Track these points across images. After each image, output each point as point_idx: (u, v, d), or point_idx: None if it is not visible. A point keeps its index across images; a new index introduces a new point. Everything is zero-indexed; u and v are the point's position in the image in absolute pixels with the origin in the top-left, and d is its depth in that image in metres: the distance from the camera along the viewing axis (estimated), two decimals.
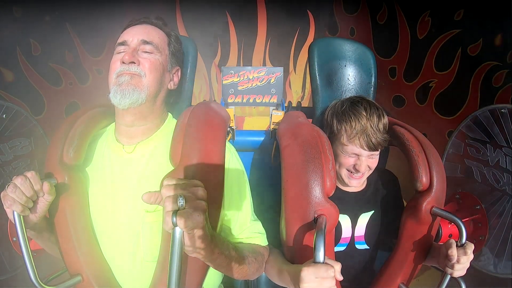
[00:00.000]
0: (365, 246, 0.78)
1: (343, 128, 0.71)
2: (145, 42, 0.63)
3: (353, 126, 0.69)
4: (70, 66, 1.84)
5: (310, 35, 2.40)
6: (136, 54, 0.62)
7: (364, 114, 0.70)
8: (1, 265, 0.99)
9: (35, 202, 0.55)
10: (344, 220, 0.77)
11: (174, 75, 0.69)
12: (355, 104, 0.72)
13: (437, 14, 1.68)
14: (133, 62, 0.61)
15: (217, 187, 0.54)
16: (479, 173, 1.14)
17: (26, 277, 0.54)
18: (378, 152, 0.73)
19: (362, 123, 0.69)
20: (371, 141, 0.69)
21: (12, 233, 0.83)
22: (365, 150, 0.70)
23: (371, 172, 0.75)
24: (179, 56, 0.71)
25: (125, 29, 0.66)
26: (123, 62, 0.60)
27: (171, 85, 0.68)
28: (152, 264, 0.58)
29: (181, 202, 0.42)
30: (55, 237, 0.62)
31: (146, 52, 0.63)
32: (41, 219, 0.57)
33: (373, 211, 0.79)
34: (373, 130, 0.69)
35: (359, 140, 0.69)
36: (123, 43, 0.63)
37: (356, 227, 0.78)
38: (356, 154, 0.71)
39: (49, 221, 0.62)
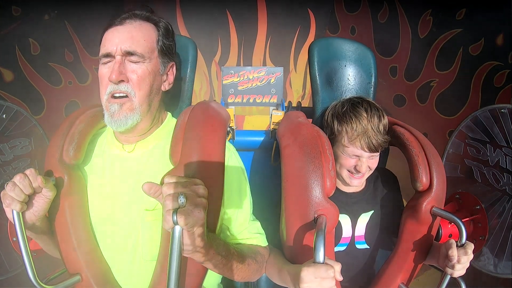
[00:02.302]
0: (366, 246, 0.79)
1: (344, 129, 0.71)
2: (130, 54, 0.59)
3: (354, 127, 0.69)
4: (69, 65, 1.83)
5: (310, 34, 2.39)
6: (124, 69, 0.59)
7: (365, 115, 0.70)
8: (1, 265, 0.99)
9: (34, 200, 0.54)
10: (344, 220, 0.77)
11: (168, 73, 0.66)
12: (355, 106, 0.72)
13: (439, 13, 1.67)
14: (122, 80, 0.59)
15: (217, 187, 0.54)
16: (479, 173, 1.14)
17: (26, 277, 0.54)
18: (378, 153, 0.73)
19: (363, 125, 0.69)
20: (372, 143, 0.69)
21: (12, 233, 0.83)
22: (366, 151, 0.70)
23: (371, 172, 0.75)
24: (171, 51, 0.66)
25: (106, 30, 0.61)
26: (111, 81, 0.58)
27: (165, 86, 0.66)
28: (151, 263, 0.58)
29: (181, 200, 0.42)
30: (54, 238, 0.62)
31: (133, 62, 0.60)
32: (40, 219, 0.57)
33: (372, 211, 0.79)
34: (374, 131, 0.69)
35: (360, 142, 0.69)
36: (107, 55, 0.59)
37: (356, 227, 0.78)
38: (357, 155, 0.71)
39: (48, 222, 0.62)
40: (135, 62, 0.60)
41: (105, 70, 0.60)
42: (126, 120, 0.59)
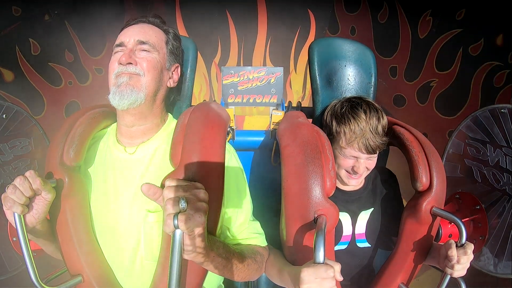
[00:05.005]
0: (366, 244, 0.79)
1: (342, 131, 0.71)
2: (142, 42, 0.63)
3: (352, 129, 0.69)
4: (70, 65, 1.83)
5: (310, 35, 2.39)
6: (133, 55, 0.62)
7: (364, 117, 0.70)
8: (1, 265, 0.99)
9: (34, 203, 0.54)
10: (345, 218, 0.77)
11: (173, 72, 0.69)
12: (354, 107, 0.72)
13: (438, 13, 1.68)
14: (130, 63, 0.61)
15: (217, 189, 0.54)
16: (479, 173, 1.14)
17: (26, 277, 0.54)
18: (376, 154, 0.73)
19: (361, 127, 0.69)
20: (370, 145, 0.69)
21: (12, 233, 0.83)
22: (363, 153, 0.70)
23: (369, 172, 0.75)
24: (178, 54, 0.70)
25: (122, 29, 0.66)
26: (120, 63, 0.61)
27: (171, 83, 0.68)
28: (153, 264, 0.58)
29: (183, 204, 0.42)
30: (56, 240, 0.62)
31: (143, 51, 0.63)
32: (41, 222, 0.57)
33: (372, 208, 0.79)
34: (372, 134, 0.69)
35: (358, 144, 0.69)
36: (120, 44, 0.63)
37: (356, 225, 0.78)
38: (354, 157, 0.72)
39: (49, 225, 0.61)
40: (146, 51, 0.63)
41: (115, 58, 0.62)
42: (132, 92, 0.60)
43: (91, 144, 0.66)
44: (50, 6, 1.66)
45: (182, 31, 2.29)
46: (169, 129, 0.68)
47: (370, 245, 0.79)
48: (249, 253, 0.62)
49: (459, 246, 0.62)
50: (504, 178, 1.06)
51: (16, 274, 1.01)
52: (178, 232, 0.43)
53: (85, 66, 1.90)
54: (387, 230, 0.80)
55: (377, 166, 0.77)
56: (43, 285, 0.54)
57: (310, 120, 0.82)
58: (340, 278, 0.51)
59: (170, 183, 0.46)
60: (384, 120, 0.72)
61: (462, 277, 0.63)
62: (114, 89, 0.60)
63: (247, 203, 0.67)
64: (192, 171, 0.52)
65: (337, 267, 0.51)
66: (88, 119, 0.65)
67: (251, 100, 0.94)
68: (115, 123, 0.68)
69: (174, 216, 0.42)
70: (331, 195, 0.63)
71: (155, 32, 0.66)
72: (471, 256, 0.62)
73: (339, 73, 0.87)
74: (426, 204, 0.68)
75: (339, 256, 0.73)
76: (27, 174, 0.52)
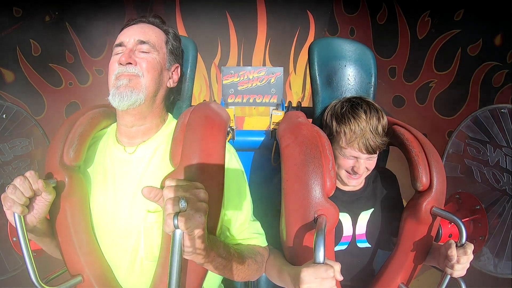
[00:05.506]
0: (367, 244, 0.79)
1: (342, 131, 0.71)
2: (142, 42, 0.63)
3: (352, 129, 0.69)
4: (70, 66, 1.84)
5: (310, 35, 2.40)
6: (133, 55, 0.62)
7: (364, 117, 0.70)
8: (1, 265, 0.99)
9: (34, 203, 0.54)
10: (345, 219, 0.77)
11: (173, 72, 0.69)
12: (354, 107, 0.72)
13: (437, 14, 1.69)
14: (130, 63, 0.61)
15: (217, 188, 0.54)
16: (479, 173, 1.14)
17: (26, 277, 0.54)
18: (376, 154, 0.73)
19: (362, 127, 0.69)
20: (370, 145, 0.69)
21: (12, 233, 0.83)
22: (363, 153, 0.70)
23: (369, 172, 0.75)
24: (178, 54, 0.70)
25: (122, 29, 0.66)
26: (120, 64, 0.61)
27: (170, 83, 0.68)
28: (153, 264, 0.58)
29: (183, 204, 0.42)
30: (55, 239, 0.62)
31: (143, 52, 0.63)
32: (41, 221, 0.57)
33: (373, 208, 0.79)
34: (372, 134, 0.69)
35: (358, 144, 0.69)
36: (120, 44, 0.63)
37: (356, 225, 0.78)
38: (354, 157, 0.72)
39: (49, 224, 0.62)
40: (146, 52, 0.63)
41: (115, 59, 0.62)
42: (131, 94, 0.60)
43: (91, 144, 0.66)
44: (51, 7, 1.67)
45: (182, 31, 2.29)
46: (169, 129, 0.68)
47: (370, 245, 0.79)
48: (249, 253, 0.62)
49: (459, 246, 0.62)
50: (504, 178, 1.07)
51: (16, 274, 1.01)
52: (178, 232, 0.43)
53: (85, 67, 1.91)
54: (387, 230, 0.80)
55: (377, 166, 0.77)
56: (43, 285, 0.54)
57: (310, 120, 0.82)
58: (340, 278, 0.51)
59: (170, 183, 0.46)
60: (384, 120, 0.72)
61: (462, 277, 0.63)
62: (113, 90, 0.60)
63: (247, 203, 0.67)
64: (192, 171, 0.52)
65: (337, 267, 0.51)
66: (88, 119, 0.65)
67: (251, 100, 0.94)
68: (115, 123, 0.68)
69: (174, 216, 0.42)
70: (331, 195, 0.64)
71: (155, 32, 0.66)
72: (471, 256, 0.62)
73: (339, 73, 0.87)
74: (426, 204, 0.68)
75: (339, 256, 0.73)
76: (27, 174, 0.52)
